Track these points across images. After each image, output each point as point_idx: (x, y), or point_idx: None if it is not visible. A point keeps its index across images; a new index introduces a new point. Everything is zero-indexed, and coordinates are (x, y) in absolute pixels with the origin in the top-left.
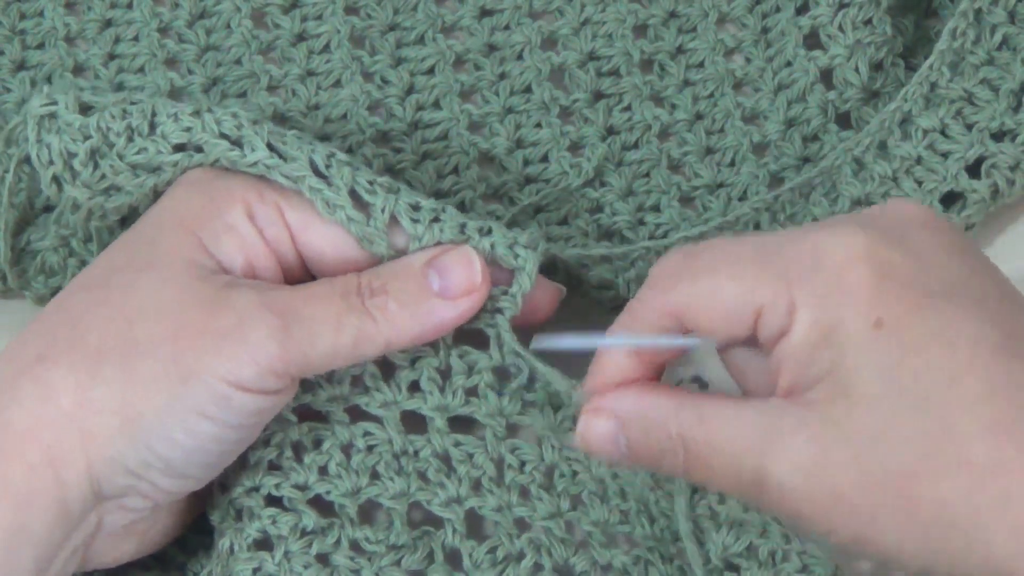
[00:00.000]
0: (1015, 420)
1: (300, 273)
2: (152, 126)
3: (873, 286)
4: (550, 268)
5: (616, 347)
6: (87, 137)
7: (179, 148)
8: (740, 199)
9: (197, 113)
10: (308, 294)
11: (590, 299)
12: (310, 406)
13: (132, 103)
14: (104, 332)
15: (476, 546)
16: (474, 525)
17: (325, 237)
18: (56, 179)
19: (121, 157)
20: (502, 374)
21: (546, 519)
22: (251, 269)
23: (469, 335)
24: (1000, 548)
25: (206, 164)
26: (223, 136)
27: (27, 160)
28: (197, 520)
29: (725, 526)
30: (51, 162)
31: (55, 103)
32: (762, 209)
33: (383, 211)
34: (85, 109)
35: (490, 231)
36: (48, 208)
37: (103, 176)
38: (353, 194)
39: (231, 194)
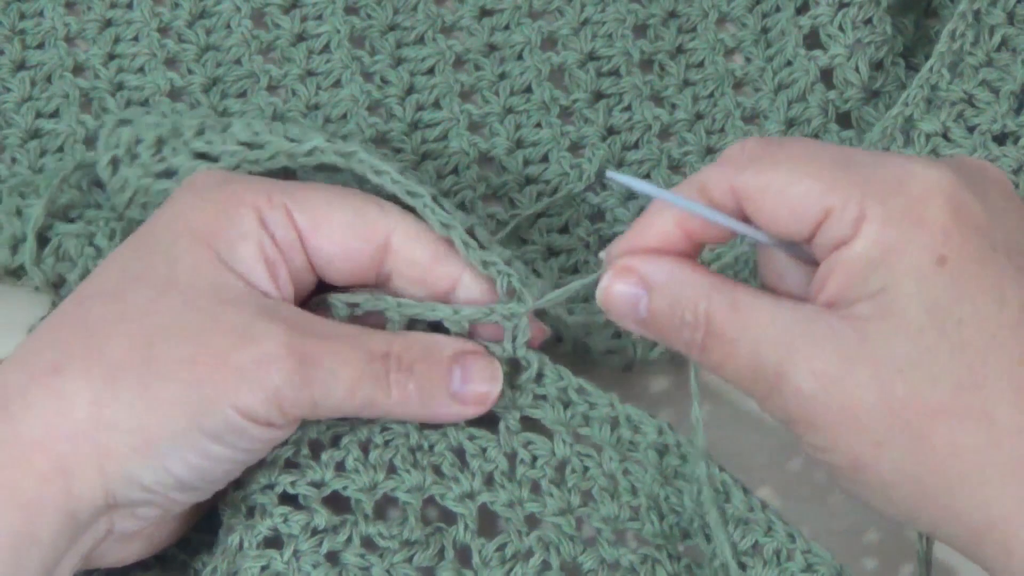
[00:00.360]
0: None
1: (309, 275)
2: (225, 128)
3: (947, 224)
4: (556, 337)
5: (676, 208)
6: (160, 127)
7: (242, 143)
8: None
9: (270, 122)
10: (336, 348)
11: (600, 366)
12: None
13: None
14: (122, 347)
15: (486, 543)
16: (485, 521)
17: (334, 239)
18: (114, 161)
19: (186, 144)
20: (514, 366)
21: (556, 515)
22: (273, 276)
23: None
24: (999, 512)
25: (262, 159)
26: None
27: (72, 183)
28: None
29: (731, 524)
30: (117, 145)
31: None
32: None
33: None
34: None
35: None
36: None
37: (163, 159)
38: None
39: (241, 200)
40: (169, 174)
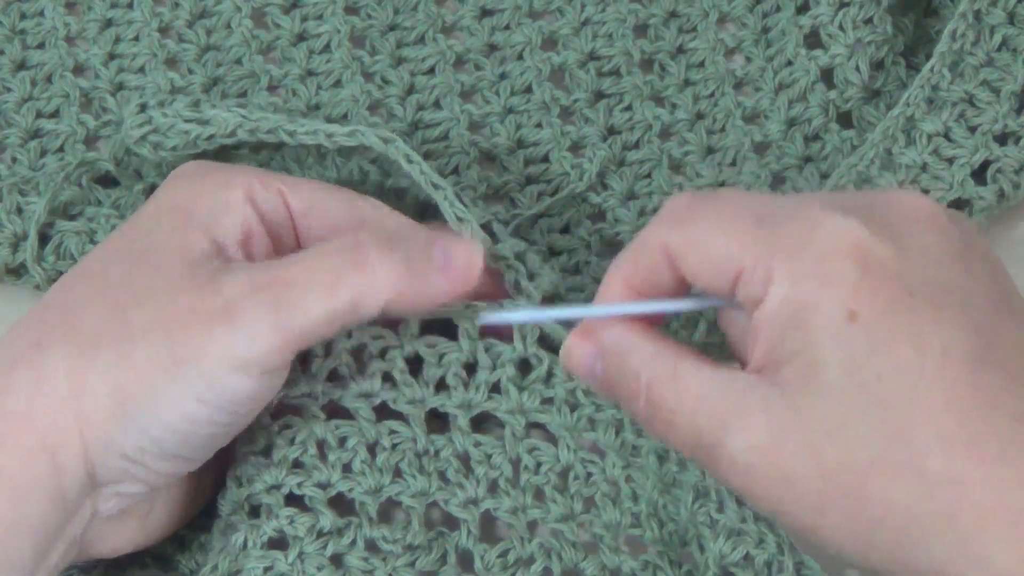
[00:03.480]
0: (975, 434)
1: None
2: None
3: (855, 278)
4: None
5: (624, 269)
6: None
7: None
8: None
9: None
10: (301, 259)
11: None
12: (337, 403)
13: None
14: (98, 318)
15: (488, 549)
16: (487, 527)
17: (325, 223)
18: (143, 107)
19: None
20: (524, 367)
21: (559, 522)
22: (248, 245)
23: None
24: (941, 559)
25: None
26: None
27: (74, 180)
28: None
29: (723, 535)
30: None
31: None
32: None
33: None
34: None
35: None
36: (73, 217)
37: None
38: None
39: (229, 180)
40: (202, 122)
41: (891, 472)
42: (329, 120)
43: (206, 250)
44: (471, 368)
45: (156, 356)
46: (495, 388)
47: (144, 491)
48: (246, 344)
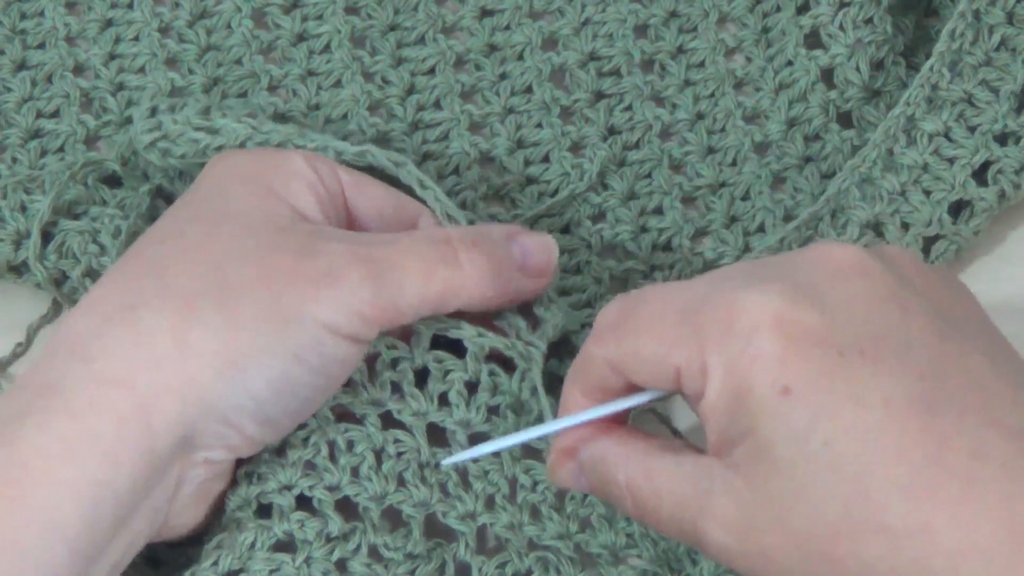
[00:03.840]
0: (931, 478)
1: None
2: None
3: (780, 352)
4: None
5: (579, 378)
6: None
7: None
8: (743, 199)
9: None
10: (396, 243)
11: None
12: (347, 408)
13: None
14: (193, 276)
15: (486, 561)
16: (485, 540)
17: (372, 201)
18: (153, 111)
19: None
20: (519, 406)
21: (555, 539)
22: (324, 211)
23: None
24: None
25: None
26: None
27: (79, 178)
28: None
29: None
30: (157, 126)
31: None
32: (774, 249)
33: None
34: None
35: None
36: (77, 216)
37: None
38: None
39: (287, 152)
40: (212, 132)
41: (856, 531)
42: (329, 121)
43: (288, 214)
44: (473, 387)
45: (263, 313)
46: (494, 411)
47: (231, 460)
48: (348, 309)
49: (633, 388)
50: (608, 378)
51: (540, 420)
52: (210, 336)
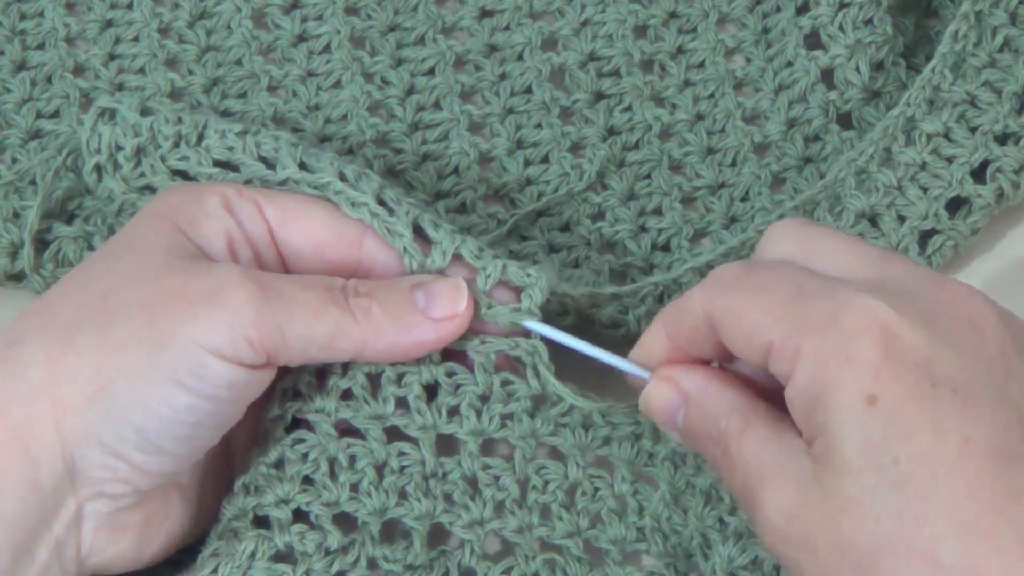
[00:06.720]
0: (993, 524)
1: (280, 270)
2: (200, 138)
3: (876, 361)
4: (561, 309)
5: (667, 322)
6: (137, 135)
7: (218, 164)
8: (742, 200)
9: (243, 134)
10: (291, 278)
11: (602, 337)
12: (349, 422)
13: (189, 114)
14: (77, 307)
15: (491, 566)
16: (491, 545)
17: (304, 234)
18: (98, 168)
19: (163, 160)
20: (540, 400)
21: (565, 538)
22: (233, 254)
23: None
24: None
25: (239, 182)
26: (261, 159)
27: (68, 165)
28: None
29: (732, 538)
30: (98, 151)
31: (120, 102)
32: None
33: (444, 254)
34: (146, 113)
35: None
36: (72, 217)
37: (142, 174)
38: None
39: (208, 188)
40: (151, 189)
41: (904, 553)
42: (328, 121)
43: (192, 250)
44: (485, 399)
45: (136, 336)
46: (508, 417)
47: (131, 493)
48: (230, 329)
49: (717, 354)
50: (699, 329)
51: (564, 408)
52: (83, 363)
